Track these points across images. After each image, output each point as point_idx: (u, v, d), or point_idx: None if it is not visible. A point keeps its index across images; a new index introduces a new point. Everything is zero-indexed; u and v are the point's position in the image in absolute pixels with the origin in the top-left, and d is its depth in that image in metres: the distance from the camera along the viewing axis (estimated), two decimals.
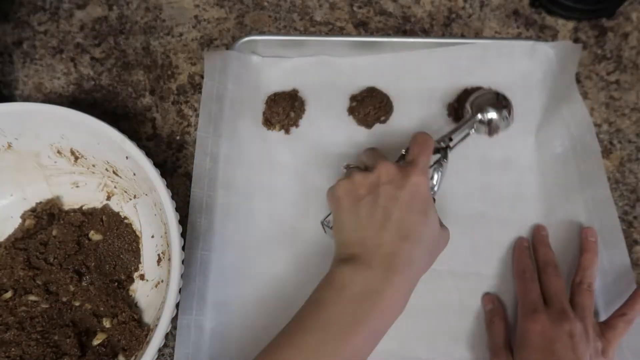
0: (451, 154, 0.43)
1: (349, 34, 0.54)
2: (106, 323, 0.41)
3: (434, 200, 0.39)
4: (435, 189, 0.41)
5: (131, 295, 0.43)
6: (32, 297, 0.41)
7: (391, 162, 0.36)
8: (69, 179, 0.46)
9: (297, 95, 0.50)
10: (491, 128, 0.45)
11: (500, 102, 0.45)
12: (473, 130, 0.45)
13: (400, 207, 0.34)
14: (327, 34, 0.54)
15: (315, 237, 0.46)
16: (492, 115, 0.45)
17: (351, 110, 0.50)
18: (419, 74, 0.51)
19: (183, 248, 0.37)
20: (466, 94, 0.49)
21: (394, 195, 0.34)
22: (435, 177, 0.41)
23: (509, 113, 0.45)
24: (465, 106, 0.46)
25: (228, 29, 0.54)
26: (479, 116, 0.45)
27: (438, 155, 0.42)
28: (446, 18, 0.55)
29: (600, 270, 0.43)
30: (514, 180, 0.47)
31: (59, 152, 0.43)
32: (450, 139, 0.43)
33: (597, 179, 0.45)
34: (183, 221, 0.42)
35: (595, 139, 0.46)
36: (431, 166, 0.40)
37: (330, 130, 0.49)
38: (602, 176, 0.45)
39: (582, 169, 0.46)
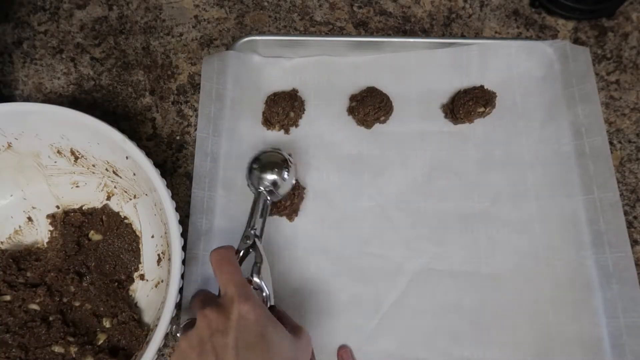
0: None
1: (349, 34, 0.54)
2: (106, 323, 0.41)
3: (271, 306, 0.37)
4: (266, 291, 0.37)
5: (131, 295, 0.43)
6: (33, 306, 0.41)
7: (209, 307, 0.32)
8: (69, 179, 0.46)
9: (297, 95, 0.49)
10: (277, 192, 0.43)
11: (280, 164, 0.43)
12: (268, 200, 0.43)
13: (234, 353, 0.30)
14: (327, 34, 0.54)
15: (314, 237, 0.46)
16: (273, 177, 0.43)
17: (351, 110, 0.50)
18: (419, 74, 0.51)
19: (183, 248, 0.37)
20: (460, 95, 0.49)
21: (224, 344, 0.30)
22: (256, 278, 0.37)
23: (289, 171, 0.43)
24: (250, 181, 0.44)
25: (228, 29, 0.54)
26: (262, 188, 0.43)
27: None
28: (446, 18, 0.55)
29: (604, 273, 0.43)
30: (514, 178, 0.47)
31: (59, 152, 0.43)
32: (254, 229, 0.41)
33: (607, 181, 0.45)
34: (183, 221, 0.42)
35: (606, 141, 0.46)
36: (252, 269, 0.38)
37: (330, 130, 0.49)
38: (612, 179, 0.45)
39: (591, 170, 0.46)
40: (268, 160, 0.44)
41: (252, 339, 0.31)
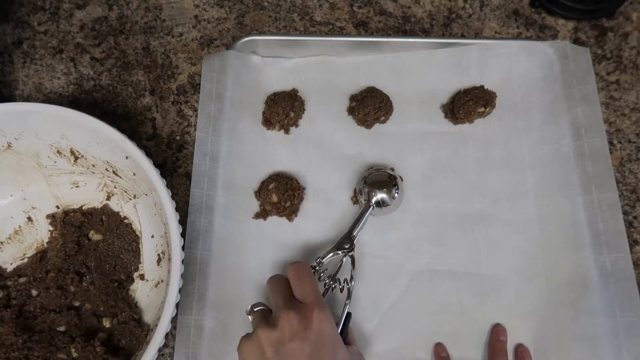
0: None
1: (349, 34, 0.54)
2: (106, 323, 0.41)
3: (350, 292, 0.40)
4: (350, 298, 0.40)
5: (131, 295, 0.43)
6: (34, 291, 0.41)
7: (294, 310, 0.34)
8: (69, 179, 0.46)
9: (297, 95, 0.49)
10: (383, 208, 0.45)
11: (391, 181, 0.45)
12: (371, 214, 0.44)
13: None
14: (327, 34, 0.54)
15: (314, 237, 0.46)
16: (382, 196, 0.44)
17: (351, 110, 0.50)
18: (419, 74, 0.51)
19: (183, 248, 0.37)
20: (460, 95, 0.49)
21: (301, 352, 0.32)
22: (349, 285, 0.40)
23: (398, 190, 0.45)
24: (361, 193, 0.45)
25: (228, 29, 0.54)
26: (372, 201, 0.44)
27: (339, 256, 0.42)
28: (446, 18, 0.55)
29: (602, 273, 0.43)
30: (514, 178, 0.47)
31: (59, 152, 0.43)
32: (353, 238, 0.43)
33: (605, 182, 0.45)
34: (183, 221, 0.42)
35: (605, 142, 0.46)
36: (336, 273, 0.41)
37: (329, 130, 0.49)
38: (611, 180, 0.45)
39: (590, 171, 0.46)
40: (380, 179, 0.45)
41: (326, 354, 0.33)
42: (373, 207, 0.44)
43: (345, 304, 0.39)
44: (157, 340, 0.34)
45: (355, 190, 0.47)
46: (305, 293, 0.35)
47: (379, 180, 0.45)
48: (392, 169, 0.47)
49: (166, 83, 0.52)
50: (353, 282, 0.40)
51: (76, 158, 0.43)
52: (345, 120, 0.50)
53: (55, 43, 0.53)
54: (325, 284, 0.41)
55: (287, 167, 0.48)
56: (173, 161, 0.49)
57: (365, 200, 0.45)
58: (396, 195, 0.44)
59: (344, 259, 0.42)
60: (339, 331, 0.37)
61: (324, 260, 0.41)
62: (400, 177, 0.46)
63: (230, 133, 0.48)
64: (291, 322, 0.33)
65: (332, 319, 0.35)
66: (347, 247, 0.42)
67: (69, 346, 0.39)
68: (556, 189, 0.46)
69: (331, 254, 0.42)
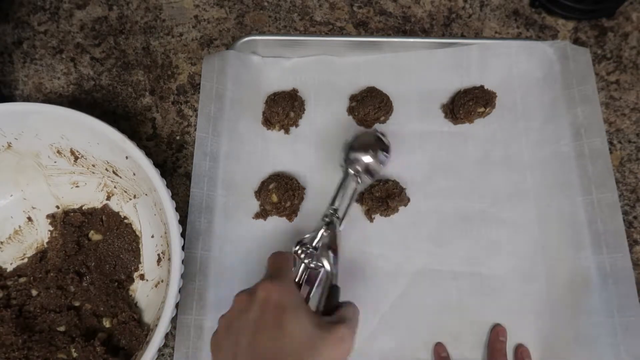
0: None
1: (349, 34, 0.54)
2: (106, 323, 0.41)
3: (332, 285, 0.36)
4: (331, 270, 0.37)
5: (131, 295, 0.43)
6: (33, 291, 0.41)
7: (243, 291, 0.33)
8: (69, 179, 0.46)
9: (297, 95, 0.49)
10: (370, 173, 0.42)
11: (377, 143, 0.41)
12: (359, 183, 0.41)
13: (249, 330, 0.30)
14: (327, 34, 0.54)
15: None
16: (368, 160, 0.40)
17: (351, 110, 0.50)
18: (419, 74, 0.51)
19: (183, 248, 0.37)
20: (460, 95, 0.49)
21: (245, 323, 0.31)
22: (326, 262, 0.37)
23: (388, 152, 0.41)
24: (343, 160, 0.43)
25: (228, 29, 0.54)
26: (355, 168, 0.41)
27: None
28: (446, 18, 0.55)
29: (602, 273, 0.43)
30: (514, 178, 0.47)
31: (58, 152, 0.43)
32: (335, 210, 0.40)
33: (605, 182, 0.45)
34: (183, 221, 0.42)
35: (605, 143, 0.46)
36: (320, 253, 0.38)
37: (329, 130, 0.49)
38: (611, 180, 0.45)
39: (590, 171, 0.46)
40: (364, 142, 0.41)
41: (269, 321, 0.30)
42: (355, 174, 0.41)
43: (328, 275, 0.37)
44: (157, 340, 0.34)
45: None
46: (267, 273, 0.34)
47: (362, 144, 0.42)
48: (376, 130, 0.43)
49: (166, 83, 0.52)
50: (332, 255, 0.38)
51: (76, 158, 0.44)
52: (345, 120, 0.50)
53: (55, 43, 0.53)
54: (307, 262, 0.38)
55: (287, 167, 0.48)
56: (173, 161, 0.49)
57: (346, 167, 0.41)
58: (384, 158, 0.41)
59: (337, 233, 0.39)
60: (319, 303, 0.35)
61: (306, 242, 0.39)
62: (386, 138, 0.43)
63: (230, 133, 0.48)
64: (240, 302, 0.32)
65: (286, 287, 0.32)
66: (327, 219, 0.40)
67: (69, 346, 0.39)
68: (556, 189, 0.46)
69: (314, 233, 0.39)
